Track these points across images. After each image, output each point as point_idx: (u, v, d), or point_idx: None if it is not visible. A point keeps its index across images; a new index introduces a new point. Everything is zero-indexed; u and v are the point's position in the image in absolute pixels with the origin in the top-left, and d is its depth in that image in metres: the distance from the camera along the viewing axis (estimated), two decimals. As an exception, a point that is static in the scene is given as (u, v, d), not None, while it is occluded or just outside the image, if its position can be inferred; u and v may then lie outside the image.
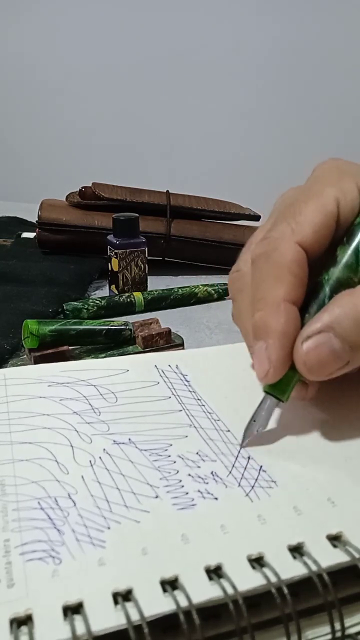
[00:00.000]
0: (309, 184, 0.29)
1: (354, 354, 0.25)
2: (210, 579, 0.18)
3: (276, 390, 0.27)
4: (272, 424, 0.28)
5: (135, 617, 0.17)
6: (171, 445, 0.26)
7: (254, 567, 0.19)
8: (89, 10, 1.41)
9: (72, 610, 0.17)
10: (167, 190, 0.70)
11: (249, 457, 0.25)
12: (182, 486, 0.23)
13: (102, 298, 0.54)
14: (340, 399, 0.30)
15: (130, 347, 0.42)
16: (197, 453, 0.26)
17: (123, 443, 0.26)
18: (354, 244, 0.27)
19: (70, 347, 0.41)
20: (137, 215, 0.59)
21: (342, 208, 0.28)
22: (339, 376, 0.26)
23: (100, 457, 0.25)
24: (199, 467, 0.24)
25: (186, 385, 0.32)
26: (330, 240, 0.28)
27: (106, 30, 1.41)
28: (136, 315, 0.54)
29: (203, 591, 0.18)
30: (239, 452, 0.26)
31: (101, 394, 0.30)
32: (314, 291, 0.27)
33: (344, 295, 0.26)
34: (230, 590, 0.18)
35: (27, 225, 0.89)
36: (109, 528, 0.21)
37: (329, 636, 0.18)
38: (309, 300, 0.27)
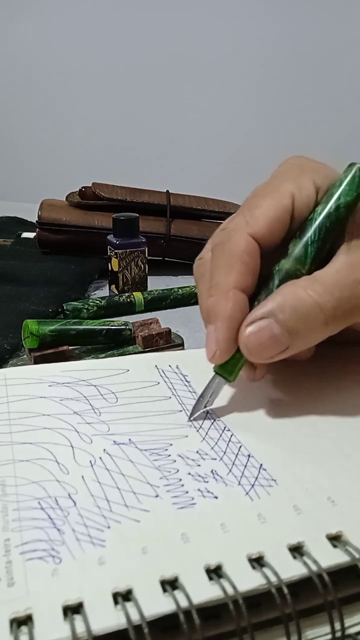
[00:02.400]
0: (270, 179, 0.31)
1: (293, 339, 0.27)
2: (210, 578, 0.18)
3: (224, 370, 0.29)
4: (272, 422, 0.28)
5: (135, 617, 0.17)
6: (171, 444, 0.26)
7: (254, 567, 0.19)
8: (89, 10, 1.41)
9: (72, 610, 0.17)
10: (167, 190, 0.70)
11: (249, 455, 0.25)
12: (182, 485, 0.23)
13: (102, 298, 0.54)
14: (340, 396, 0.30)
15: (130, 347, 0.42)
16: (197, 452, 0.26)
17: (123, 443, 0.26)
18: (304, 239, 0.29)
19: (70, 347, 0.41)
20: (137, 215, 0.59)
21: (297, 203, 0.29)
22: (339, 370, 0.28)
23: (100, 457, 0.25)
24: (199, 465, 0.25)
25: (186, 386, 0.32)
26: (284, 233, 0.29)
27: (106, 30, 1.41)
28: (136, 315, 0.54)
29: (203, 591, 0.18)
30: (189, 421, 0.28)
31: (101, 394, 0.30)
32: (265, 281, 0.29)
33: (288, 285, 0.28)
34: (230, 590, 0.18)
35: (27, 225, 0.89)
36: (109, 527, 0.21)
37: (329, 636, 0.18)
38: (260, 289, 0.29)
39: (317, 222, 0.29)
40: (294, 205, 0.29)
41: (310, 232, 0.29)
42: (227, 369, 0.29)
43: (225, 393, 0.31)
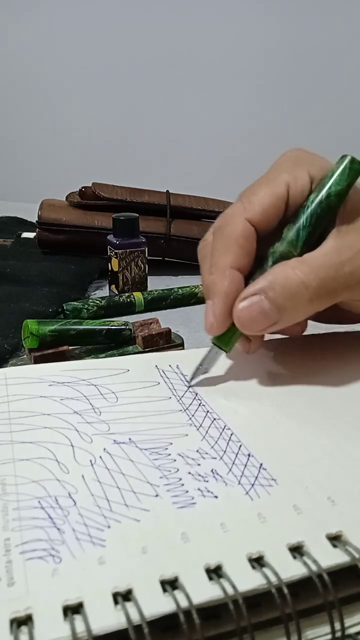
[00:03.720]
0: (268, 170, 0.33)
1: (281, 314, 0.30)
2: (210, 578, 0.18)
3: (221, 342, 0.32)
4: (272, 422, 0.28)
5: (135, 617, 0.17)
6: (171, 443, 0.26)
7: (253, 567, 0.19)
8: (89, 10, 1.41)
9: (72, 609, 0.17)
10: (167, 190, 0.70)
11: (249, 455, 0.25)
12: (182, 485, 0.23)
13: (102, 298, 0.54)
14: (341, 395, 0.30)
15: (130, 347, 0.42)
16: (197, 451, 0.26)
17: (123, 442, 0.26)
18: (297, 224, 0.31)
19: (70, 347, 0.41)
20: (137, 215, 0.59)
21: (292, 192, 0.31)
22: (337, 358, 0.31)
23: (100, 457, 0.25)
24: (199, 464, 0.24)
25: (186, 386, 0.32)
26: (279, 219, 0.32)
27: (106, 30, 1.41)
28: (136, 315, 0.54)
29: (203, 591, 0.18)
30: (187, 390, 0.31)
31: (102, 394, 0.30)
32: (260, 262, 0.32)
33: (279, 265, 0.30)
34: (230, 590, 0.18)
35: (27, 225, 0.89)
36: (109, 527, 0.21)
37: (329, 636, 0.18)
38: (255, 269, 0.32)
39: (310, 209, 0.31)
40: (288, 193, 0.31)
41: (303, 218, 0.31)
42: (223, 341, 0.32)
43: (226, 392, 0.31)
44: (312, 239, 0.31)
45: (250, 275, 0.31)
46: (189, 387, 0.31)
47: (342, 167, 0.31)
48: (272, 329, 0.30)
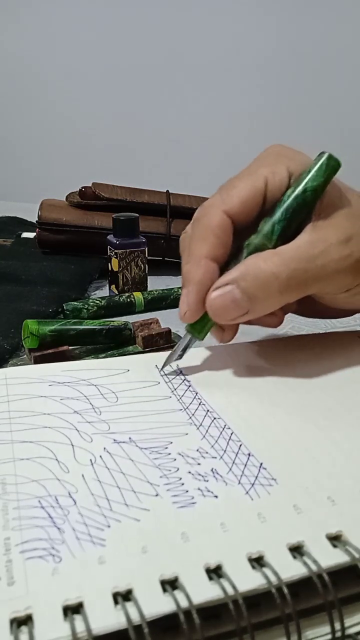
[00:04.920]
0: (249, 165, 0.34)
1: (252, 304, 0.30)
2: (210, 578, 0.18)
3: (194, 329, 0.33)
4: (272, 421, 0.28)
5: (135, 617, 0.17)
6: (171, 443, 0.26)
7: (253, 567, 0.19)
8: (89, 11, 1.41)
9: (72, 609, 0.17)
10: (167, 190, 0.70)
11: (249, 454, 0.25)
12: (182, 484, 0.23)
13: (102, 298, 0.54)
14: (341, 395, 0.30)
15: (130, 347, 0.42)
16: (197, 450, 0.26)
17: (123, 442, 0.26)
18: (273, 218, 0.32)
19: (70, 347, 0.41)
20: (137, 215, 0.59)
21: (270, 187, 0.32)
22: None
23: (100, 456, 0.25)
24: (199, 464, 0.24)
25: (187, 385, 0.32)
26: (256, 213, 0.32)
27: (106, 31, 1.41)
28: (136, 315, 0.54)
29: (203, 591, 0.18)
30: (160, 371, 0.33)
31: (102, 394, 0.30)
32: (236, 254, 0.32)
33: (252, 257, 0.31)
34: (230, 590, 0.18)
35: (27, 225, 0.89)
36: (109, 526, 0.21)
37: (329, 636, 0.18)
38: (230, 260, 0.32)
39: (286, 203, 0.31)
40: (266, 188, 0.32)
41: (279, 212, 0.31)
42: (196, 328, 0.33)
43: (226, 391, 0.31)
44: (287, 233, 0.31)
45: (225, 266, 0.32)
46: (161, 370, 0.33)
47: (319, 163, 0.31)
48: (244, 319, 0.31)
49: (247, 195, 0.32)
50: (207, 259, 0.31)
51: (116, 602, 0.17)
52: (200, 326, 0.33)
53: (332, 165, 0.31)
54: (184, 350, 0.33)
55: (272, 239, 0.31)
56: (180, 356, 0.33)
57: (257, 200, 0.32)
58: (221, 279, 0.31)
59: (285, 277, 0.30)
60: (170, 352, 0.33)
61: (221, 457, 0.25)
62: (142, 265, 0.58)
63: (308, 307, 0.35)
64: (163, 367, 0.33)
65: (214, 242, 0.32)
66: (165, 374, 0.33)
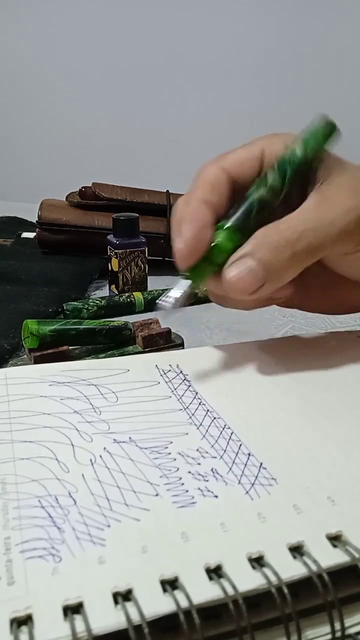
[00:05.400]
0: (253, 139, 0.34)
1: (268, 274, 0.30)
2: (210, 578, 0.18)
3: (192, 274, 0.31)
4: (272, 421, 0.28)
5: (135, 617, 0.17)
6: (171, 442, 0.26)
7: (253, 567, 0.19)
8: (89, 11, 1.41)
9: (72, 609, 0.17)
10: (167, 190, 0.70)
11: (249, 454, 0.25)
12: (182, 484, 0.23)
13: (102, 298, 0.54)
14: (342, 394, 0.30)
15: (130, 347, 0.42)
16: (197, 450, 0.26)
17: (123, 442, 0.26)
18: (280, 174, 0.31)
19: (70, 347, 0.41)
20: (137, 215, 0.59)
21: (266, 155, 0.33)
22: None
23: (100, 456, 0.25)
24: (199, 464, 0.24)
25: (187, 385, 0.32)
26: (253, 177, 0.32)
27: (106, 30, 1.41)
28: (136, 315, 0.54)
29: (203, 591, 0.18)
30: (156, 309, 0.31)
31: (102, 394, 0.30)
32: (242, 202, 0.32)
33: (264, 228, 0.31)
34: (230, 590, 0.18)
35: (27, 225, 0.89)
36: (109, 526, 0.21)
37: (329, 636, 0.18)
38: (236, 209, 0.32)
39: (287, 159, 0.32)
40: (263, 155, 0.33)
41: (288, 170, 0.31)
42: (195, 274, 0.31)
43: (226, 391, 0.31)
44: (292, 192, 0.32)
45: (225, 217, 0.32)
46: (157, 306, 0.31)
47: (316, 125, 0.33)
48: (261, 292, 0.30)
49: (243, 157, 0.33)
50: (199, 201, 0.31)
51: (116, 602, 0.17)
52: (198, 272, 0.31)
53: (330, 129, 0.33)
54: (182, 298, 0.31)
55: (281, 194, 0.31)
56: (177, 304, 0.31)
57: (253, 163, 0.33)
58: (235, 254, 0.30)
59: (296, 240, 0.30)
60: (160, 301, 0.31)
61: (221, 457, 0.25)
62: (142, 265, 0.58)
63: (324, 299, 0.36)
64: (155, 308, 0.31)
65: (208, 189, 0.32)
66: (162, 308, 0.31)
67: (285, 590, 0.18)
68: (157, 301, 0.31)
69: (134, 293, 0.55)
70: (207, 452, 0.25)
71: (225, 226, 0.31)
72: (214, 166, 0.32)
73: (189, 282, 0.31)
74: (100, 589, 0.18)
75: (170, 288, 0.31)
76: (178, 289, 0.31)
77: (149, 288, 0.59)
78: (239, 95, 1.37)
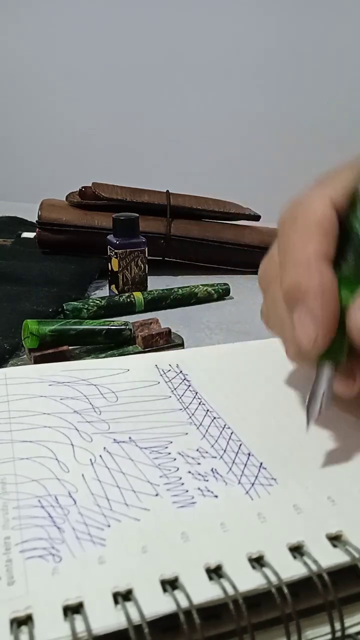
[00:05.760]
0: (345, 162, 0.28)
1: None
2: (211, 578, 0.18)
3: (330, 355, 0.24)
4: (272, 420, 0.28)
5: (135, 617, 0.17)
6: (171, 442, 0.26)
7: (254, 567, 0.19)
8: (89, 11, 1.41)
9: (72, 609, 0.17)
10: (167, 190, 0.70)
11: (249, 454, 0.25)
12: (182, 484, 0.23)
13: (102, 298, 0.54)
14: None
15: (130, 347, 0.42)
16: (197, 450, 0.26)
17: (123, 441, 0.26)
18: None
19: (70, 347, 0.41)
20: (137, 215, 0.59)
21: None
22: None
23: (100, 456, 0.25)
24: (199, 463, 0.24)
25: (187, 385, 0.32)
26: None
27: (106, 30, 1.41)
28: (136, 315, 0.54)
29: (203, 591, 0.18)
30: (307, 426, 0.24)
31: (102, 394, 0.30)
32: (345, 241, 0.25)
33: None
34: (230, 590, 0.18)
35: (27, 225, 0.89)
36: (109, 526, 0.21)
37: (329, 636, 0.18)
38: (341, 251, 0.25)
39: None
40: None
41: None
42: (333, 351, 0.24)
43: (226, 391, 0.31)
44: None
45: (338, 258, 0.25)
46: (308, 429, 0.24)
47: None
48: None
49: (354, 180, 0.26)
50: (318, 259, 0.24)
51: (116, 602, 0.17)
52: (337, 346, 0.24)
53: None
54: (327, 390, 0.24)
55: None
56: (326, 400, 0.24)
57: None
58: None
59: None
60: (307, 402, 0.24)
61: (221, 457, 0.25)
62: (142, 265, 0.58)
63: None
64: (308, 423, 0.24)
65: (321, 238, 0.24)
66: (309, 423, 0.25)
67: (286, 590, 0.18)
68: (307, 409, 0.24)
69: (134, 293, 0.55)
70: (207, 452, 0.25)
71: (347, 283, 0.24)
72: (321, 201, 0.25)
73: (328, 366, 0.24)
74: (101, 589, 0.18)
75: (315, 387, 0.24)
76: (320, 381, 0.24)
77: (149, 288, 0.59)
78: (239, 95, 1.36)
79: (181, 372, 0.33)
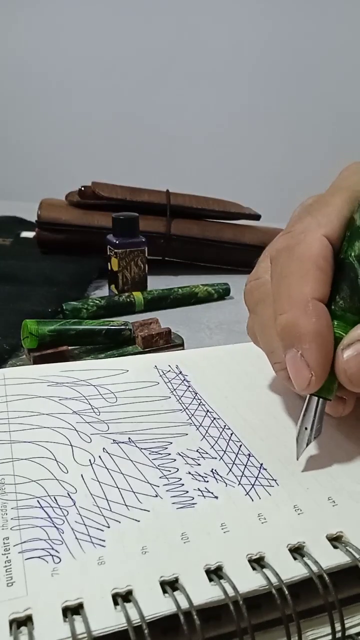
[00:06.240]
0: (335, 183, 0.28)
1: None
2: (211, 579, 0.18)
3: (321, 391, 0.25)
4: (272, 421, 0.28)
5: (135, 618, 0.17)
6: (171, 443, 0.26)
7: (254, 568, 0.19)
8: (90, 11, 1.41)
9: (72, 610, 0.17)
10: (167, 190, 0.70)
11: (249, 455, 0.25)
12: (182, 485, 0.23)
13: (102, 298, 0.53)
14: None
15: (130, 347, 0.42)
16: (197, 450, 0.25)
17: (123, 442, 0.26)
18: None
19: (69, 347, 0.41)
20: (137, 214, 0.59)
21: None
22: None
23: (99, 456, 0.25)
24: (199, 464, 0.24)
25: (186, 386, 0.32)
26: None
27: (106, 30, 1.41)
28: (136, 315, 0.54)
29: (203, 592, 0.18)
30: (298, 457, 0.25)
31: (101, 394, 0.30)
32: (340, 271, 0.25)
33: None
34: (230, 591, 0.18)
35: (26, 224, 0.89)
36: (108, 527, 0.21)
37: (330, 637, 0.18)
38: (336, 282, 0.25)
39: None
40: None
41: None
42: (324, 388, 0.24)
43: (226, 391, 0.31)
44: None
45: (332, 293, 0.25)
46: (298, 459, 0.25)
47: None
48: None
49: (349, 212, 0.25)
50: (314, 301, 0.24)
51: (116, 603, 0.17)
52: (328, 384, 0.24)
53: None
54: (320, 419, 0.25)
55: None
56: (319, 431, 0.25)
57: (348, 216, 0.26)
58: (352, 333, 0.24)
59: None
60: (297, 432, 0.25)
61: (221, 458, 0.25)
62: (141, 265, 0.58)
63: None
64: (298, 453, 0.25)
65: (318, 277, 0.24)
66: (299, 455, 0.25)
67: (286, 591, 0.18)
68: (297, 441, 0.25)
69: (133, 293, 0.55)
70: (207, 453, 0.25)
71: (341, 317, 0.25)
72: (317, 236, 0.25)
73: (320, 401, 0.25)
74: (100, 589, 0.18)
75: (305, 418, 0.25)
76: (310, 413, 0.25)
77: (149, 288, 0.59)
78: (239, 94, 1.36)
79: (181, 372, 0.33)
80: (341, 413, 0.26)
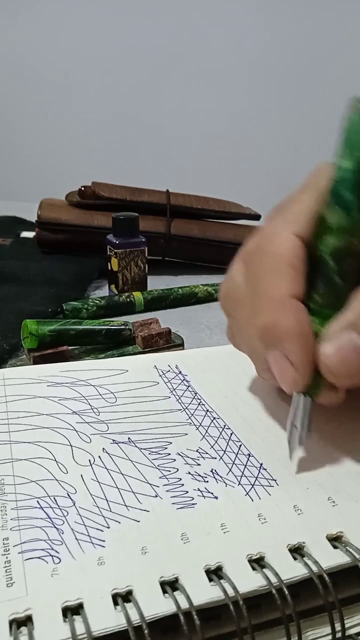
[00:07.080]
0: (304, 182, 0.28)
1: None
2: (211, 579, 0.18)
3: (308, 389, 0.25)
4: (272, 421, 0.28)
5: (135, 618, 0.17)
6: (171, 443, 0.26)
7: (254, 568, 0.19)
8: (90, 11, 1.41)
9: (72, 610, 0.17)
10: (167, 190, 0.70)
11: (249, 455, 0.25)
12: (182, 485, 0.23)
13: (102, 298, 0.53)
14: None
15: (130, 347, 0.42)
16: (196, 450, 0.25)
17: (122, 442, 0.26)
18: (343, 205, 0.24)
19: (69, 347, 0.40)
20: (137, 214, 0.59)
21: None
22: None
23: (99, 457, 0.25)
24: (198, 464, 0.24)
25: (186, 385, 0.32)
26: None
27: (106, 30, 1.41)
28: (136, 315, 0.54)
29: (203, 592, 0.18)
30: (291, 458, 0.25)
31: (100, 394, 0.30)
32: (313, 268, 0.25)
33: None
34: (230, 591, 0.18)
35: (26, 224, 0.89)
36: (108, 527, 0.21)
37: (330, 637, 0.18)
38: (311, 279, 0.25)
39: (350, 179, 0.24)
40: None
41: (346, 194, 0.24)
42: (310, 386, 0.24)
43: (226, 391, 0.31)
44: None
45: (309, 289, 0.25)
46: (291, 459, 0.25)
47: (353, 116, 0.26)
48: None
49: (315, 209, 0.25)
50: (292, 299, 0.24)
51: (116, 603, 0.17)
52: (313, 381, 0.24)
53: None
54: (305, 419, 0.25)
55: (351, 222, 0.23)
56: (309, 428, 0.25)
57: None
58: (332, 326, 0.23)
59: None
60: (288, 433, 0.25)
61: (221, 458, 0.25)
62: (142, 265, 0.58)
63: None
64: (291, 454, 0.25)
65: (292, 275, 0.24)
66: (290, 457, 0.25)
67: (286, 591, 0.18)
68: (289, 441, 0.25)
69: (133, 293, 0.55)
70: (206, 453, 0.25)
71: (318, 312, 0.24)
72: (287, 235, 0.25)
73: (307, 399, 0.25)
74: (100, 590, 0.18)
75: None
76: (299, 412, 0.25)
77: (149, 288, 0.59)
78: (239, 94, 1.36)
79: (180, 372, 0.33)
80: (336, 402, 0.25)
